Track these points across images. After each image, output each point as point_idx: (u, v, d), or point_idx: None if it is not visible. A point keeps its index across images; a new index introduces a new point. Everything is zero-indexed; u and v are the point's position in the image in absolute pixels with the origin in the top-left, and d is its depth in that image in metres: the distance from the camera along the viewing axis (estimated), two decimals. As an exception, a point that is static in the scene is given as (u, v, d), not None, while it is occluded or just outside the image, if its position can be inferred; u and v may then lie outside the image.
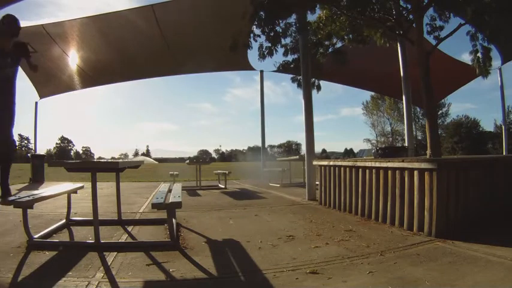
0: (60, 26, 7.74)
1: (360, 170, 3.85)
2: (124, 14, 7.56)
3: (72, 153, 77.27)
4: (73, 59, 8.85)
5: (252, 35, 5.79)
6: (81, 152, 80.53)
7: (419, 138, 35.57)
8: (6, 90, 3.20)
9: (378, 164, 3.55)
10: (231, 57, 7.60)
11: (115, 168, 3.04)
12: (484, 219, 3.30)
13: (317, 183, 5.24)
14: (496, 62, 10.11)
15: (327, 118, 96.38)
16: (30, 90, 9.75)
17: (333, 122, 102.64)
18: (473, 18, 4.63)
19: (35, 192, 3.01)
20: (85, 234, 3.06)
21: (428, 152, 4.75)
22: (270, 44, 5.93)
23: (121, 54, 9.04)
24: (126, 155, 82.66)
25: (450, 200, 2.97)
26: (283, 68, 7.21)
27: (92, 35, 7.95)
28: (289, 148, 73.22)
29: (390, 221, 3.34)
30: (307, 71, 5.64)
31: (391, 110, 40.55)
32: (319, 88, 7.35)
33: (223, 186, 7.82)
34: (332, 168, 4.51)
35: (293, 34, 6.15)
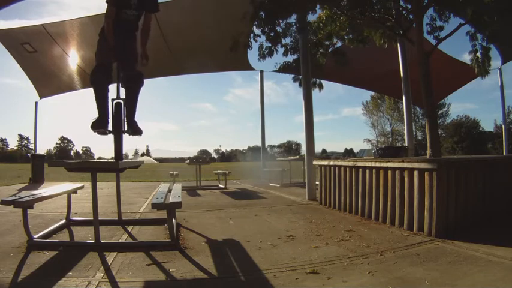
0: (61, 25, 7.73)
1: (360, 170, 3.85)
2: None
3: (72, 153, 77.35)
4: (73, 58, 8.84)
5: (252, 35, 5.80)
6: (81, 152, 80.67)
7: (419, 138, 35.57)
8: (131, 34, 3.14)
9: (378, 164, 3.55)
10: (231, 58, 7.60)
11: (115, 168, 3.03)
12: (484, 219, 3.30)
13: (317, 183, 5.24)
14: (496, 62, 10.13)
15: (327, 118, 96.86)
16: (30, 90, 9.77)
17: (333, 122, 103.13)
18: (473, 19, 4.62)
19: (35, 192, 3.01)
20: (85, 234, 3.06)
21: (428, 152, 4.74)
22: (270, 44, 5.94)
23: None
24: (126, 155, 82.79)
25: (450, 200, 2.97)
26: (283, 69, 7.20)
27: (92, 34, 7.91)
28: (289, 148, 73.29)
29: (390, 221, 3.34)
30: (307, 71, 5.64)
31: (391, 110, 40.58)
32: (321, 87, 7.33)
33: (223, 186, 7.82)
34: (332, 168, 4.51)
35: (293, 34, 6.15)
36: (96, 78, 2.96)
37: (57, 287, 1.87)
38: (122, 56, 2.98)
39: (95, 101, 2.98)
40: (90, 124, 2.95)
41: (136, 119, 3.10)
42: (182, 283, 1.96)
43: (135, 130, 3.03)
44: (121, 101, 3.04)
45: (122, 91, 3.12)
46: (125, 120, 3.07)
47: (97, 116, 2.97)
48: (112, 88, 3.08)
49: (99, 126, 2.96)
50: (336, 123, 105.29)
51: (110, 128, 3.04)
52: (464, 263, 2.16)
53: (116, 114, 2.99)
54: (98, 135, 3.03)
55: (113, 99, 3.03)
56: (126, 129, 3.08)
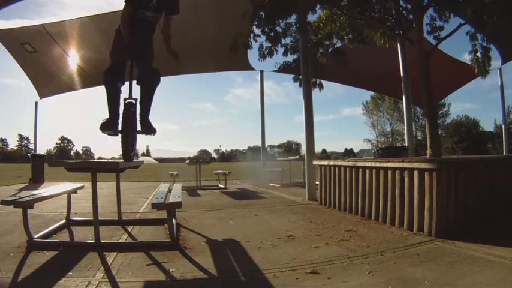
0: (61, 25, 7.73)
1: (360, 170, 3.85)
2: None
3: (72, 153, 77.39)
4: (73, 58, 8.84)
5: (252, 35, 5.80)
6: (81, 152, 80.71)
7: (419, 138, 35.55)
8: (148, 33, 3.04)
9: (378, 164, 3.55)
10: (231, 58, 7.61)
11: (115, 168, 3.03)
12: (484, 219, 3.30)
13: (317, 183, 5.24)
14: (496, 62, 10.12)
15: (328, 118, 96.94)
16: (30, 90, 9.78)
17: (334, 122, 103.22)
18: (473, 19, 4.62)
19: (35, 192, 3.01)
20: (85, 234, 3.06)
21: (428, 152, 4.74)
22: (270, 44, 5.94)
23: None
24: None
25: (450, 200, 2.97)
26: (283, 69, 7.21)
27: (92, 34, 7.94)
28: (289, 148, 73.22)
29: (390, 221, 3.34)
30: (307, 71, 5.64)
31: (391, 110, 40.56)
32: (321, 87, 7.34)
33: (223, 186, 7.82)
34: (332, 168, 4.51)
35: (293, 34, 6.15)
36: (107, 78, 2.91)
37: (57, 287, 1.87)
38: (137, 54, 2.91)
39: (106, 101, 2.93)
40: (100, 126, 2.88)
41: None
42: (182, 283, 1.96)
43: (149, 129, 2.99)
44: (133, 101, 2.97)
45: (135, 90, 3.05)
46: (139, 119, 3.02)
47: (107, 117, 2.91)
48: (124, 88, 3.02)
49: (108, 128, 2.90)
50: (336, 123, 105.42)
51: (119, 129, 2.95)
52: (464, 263, 2.16)
53: (128, 114, 2.91)
54: (108, 136, 2.98)
55: (125, 99, 2.96)
56: (139, 128, 3.04)
